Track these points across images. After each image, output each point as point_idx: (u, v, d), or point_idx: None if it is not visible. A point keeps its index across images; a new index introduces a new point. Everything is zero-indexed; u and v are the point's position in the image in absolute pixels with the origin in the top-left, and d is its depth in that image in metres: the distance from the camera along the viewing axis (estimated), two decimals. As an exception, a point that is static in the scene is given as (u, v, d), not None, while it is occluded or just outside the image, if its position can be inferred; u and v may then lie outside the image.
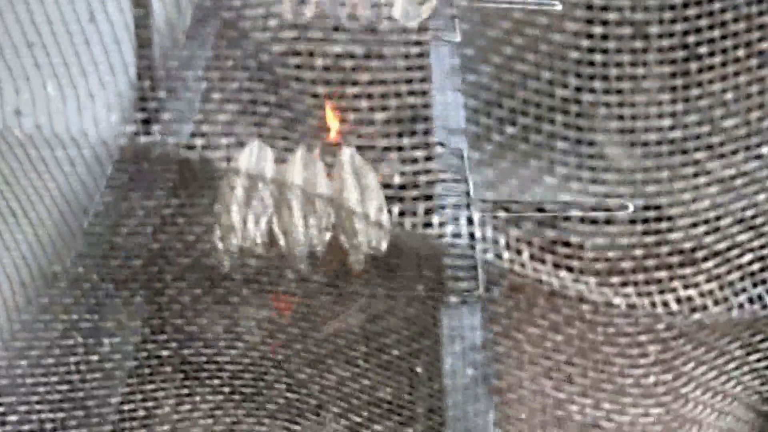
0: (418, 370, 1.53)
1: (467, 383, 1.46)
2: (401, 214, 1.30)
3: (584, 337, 1.34)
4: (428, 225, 1.30)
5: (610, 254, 1.29)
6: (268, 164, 1.72)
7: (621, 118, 1.26)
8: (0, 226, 1.42)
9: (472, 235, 1.31)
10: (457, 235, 1.30)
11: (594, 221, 1.39)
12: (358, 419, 1.53)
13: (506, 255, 1.31)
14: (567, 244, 1.29)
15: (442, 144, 1.83)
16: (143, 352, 1.58)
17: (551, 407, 1.41)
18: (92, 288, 1.54)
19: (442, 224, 1.31)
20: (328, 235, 1.64)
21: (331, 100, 1.68)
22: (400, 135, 1.58)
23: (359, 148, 1.75)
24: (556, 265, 1.29)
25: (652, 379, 1.36)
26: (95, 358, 1.55)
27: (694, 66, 1.23)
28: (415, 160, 1.30)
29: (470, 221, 1.31)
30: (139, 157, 1.60)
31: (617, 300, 1.30)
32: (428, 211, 1.28)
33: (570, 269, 1.29)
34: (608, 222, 1.28)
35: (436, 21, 1.97)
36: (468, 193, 1.73)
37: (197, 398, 1.62)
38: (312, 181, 1.69)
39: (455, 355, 1.51)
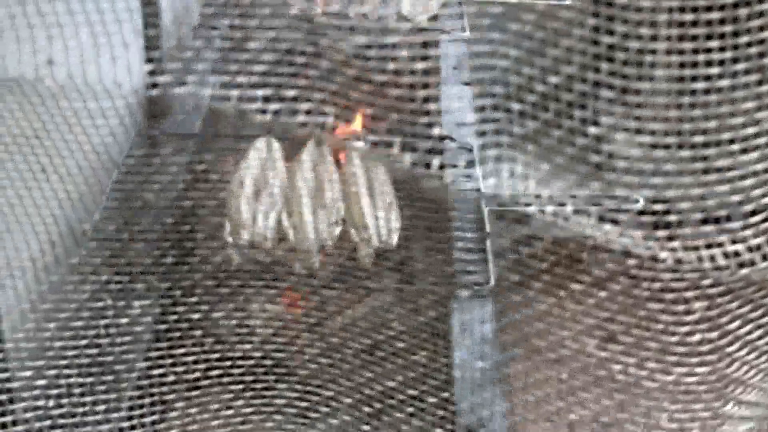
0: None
1: (478, 376, 1.45)
2: (441, 167, 1.27)
3: (629, 293, 1.31)
4: (469, 177, 1.27)
5: (657, 207, 1.25)
6: (278, 159, 1.72)
7: (669, 65, 1.23)
8: (30, 182, 1.39)
9: (514, 189, 1.28)
10: (498, 188, 1.27)
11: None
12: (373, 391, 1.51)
13: (550, 209, 1.28)
14: (613, 197, 1.25)
15: (451, 138, 1.85)
16: (173, 315, 1.55)
17: (593, 368, 1.38)
18: (122, 248, 1.51)
19: (483, 177, 1.28)
20: (337, 230, 1.64)
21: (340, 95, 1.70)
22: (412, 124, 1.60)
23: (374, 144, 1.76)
24: (601, 219, 1.26)
25: (697, 337, 1.33)
26: (125, 320, 1.53)
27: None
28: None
29: (512, 174, 1.27)
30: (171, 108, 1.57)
31: (663, 254, 1.27)
32: (469, 164, 1.25)
33: (615, 222, 1.26)
34: (654, 173, 1.24)
35: (445, 16, 1.96)
36: (478, 188, 1.74)
37: (228, 363, 1.59)
38: (321, 176, 1.70)
39: (466, 348, 1.50)
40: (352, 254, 1.63)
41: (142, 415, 1.56)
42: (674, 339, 1.33)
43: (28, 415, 1.46)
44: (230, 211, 1.62)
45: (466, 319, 1.53)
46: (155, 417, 1.57)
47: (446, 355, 1.51)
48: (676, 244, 1.27)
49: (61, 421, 1.48)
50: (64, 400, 1.50)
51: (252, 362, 1.60)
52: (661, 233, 1.27)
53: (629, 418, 1.39)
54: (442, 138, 1.85)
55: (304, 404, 1.57)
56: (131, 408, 1.56)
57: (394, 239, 1.62)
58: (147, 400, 1.56)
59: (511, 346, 1.42)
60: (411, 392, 1.51)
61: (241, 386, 1.59)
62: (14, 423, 1.47)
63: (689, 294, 1.31)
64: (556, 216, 1.26)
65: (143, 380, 1.56)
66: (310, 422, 1.57)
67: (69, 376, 1.51)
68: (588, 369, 1.38)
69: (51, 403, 1.49)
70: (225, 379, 1.59)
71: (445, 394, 1.47)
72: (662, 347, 1.34)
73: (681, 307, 1.31)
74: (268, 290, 1.62)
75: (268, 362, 1.60)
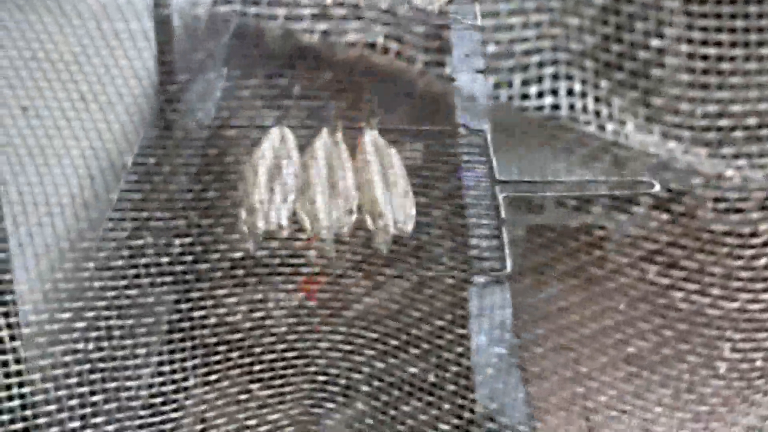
0: None
1: (496, 362, 1.43)
2: (496, 86, 1.23)
3: (692, 214, 1.26)
4: (525, 97, 1.22)
5: (722, 123, 1.20)
6: (292, 148, 1.71)
7: None
8: (69, 112, 1.34)
9: (572, 107, 1.23)
10: (556, 107, 1.23)
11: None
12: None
13: (609, 127, 1.23)
14: (677, 112, 1.20)
15: (465, 126, 1.84)
16: (215, 254, 1.51)
17: (653, 296, 1.34)
18: (164, 181, 1.47)
19: (540, 95, 1.23)
20: (353, 218, 1.62)
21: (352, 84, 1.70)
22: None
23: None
24: (665, 135, 1.21)
25: (763, 261, 1.28)
26: (166, 259, 1.48)
27: None
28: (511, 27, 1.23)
29: (570, 93, 1.23)
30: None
31: (729, 172, 1.22)
32: (525, 83, 1.21)
33: (679, 139, 1.21)
34: (720, 87, 1.19)
35: (457, 4, 1.95)
36: (492, 174, 1.73)
37: (270, 304, 1.56)
38: (335, 164, 1.69)
39: (484, 334, 1.48)
40: (368, 242, 1.61)
41: (183, 359, 1.52)
42: (739, 263, 1.28)
43: (68, 358, 1.42)
44: (245, 200, 1.60)
45: (483, 305, 1.51)
46: (196, 361, 1.54)
47: (464, 341, 1.49)
48: (742, 162, 1.22)
49: (101, 365, 1.44)
50: (104, 343, 1.46)
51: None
52: (728, 150, 1.22)
53: (691, 349, 1.34)
54: (456, 126, 1.85)
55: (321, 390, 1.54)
56: (172, 351, 1.52)
57: (410, 226, 1.62)
58: (188, 344, 1.53)
59: (565, 276, 1.38)
60: (429, 379, 1.49)
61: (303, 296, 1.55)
62: (53, 367, 1.43)
63: (756, 215, 1.26)
64: (616, 135, 1.21)
65: (184, 322, 1.53)
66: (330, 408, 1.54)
67: (108, 318, 1.47)
68: (648, 297, 1.33)
69: (90, 346, 1.45)
70: (268, 321, 1.56)
71: (464, 381, 1.45)
72: (726, 272, 1.29)
73: (746, 229, 1.26)
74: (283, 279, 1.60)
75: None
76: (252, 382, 1.55)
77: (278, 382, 1.55)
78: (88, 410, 1.41)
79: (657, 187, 1.44)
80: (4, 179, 1.35)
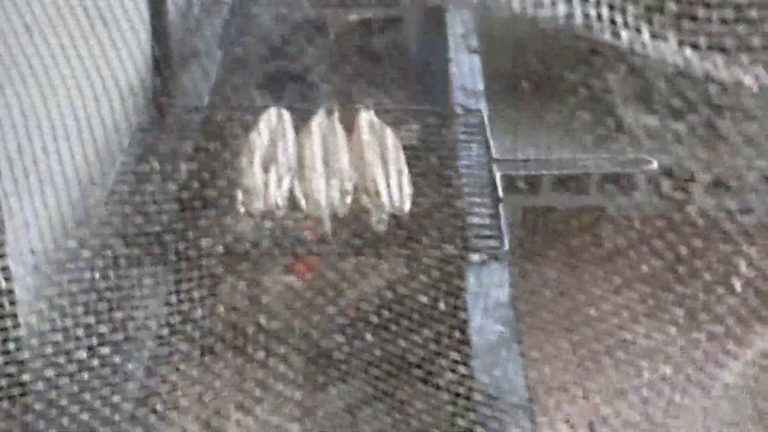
0: None
1: (495, 340, 1.42)
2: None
3: (711, 124, 1.24)
4: (539, 5, 1.20)
5: (740, 29, 1.18)
6: (288, 128, 1.71)
7: None
8: (81, 50, 1.31)
9: (587, 15, 1.21)
10: (569, 16, 1.21)
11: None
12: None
13: (624, 35, 1.21)
14: (693, 18, 1.18)
15: (461, 106, 1.82)
16: (223, 180, 1.49)
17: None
18: (170, 104, 1.44)
19: (554, 3, 1.21)
20: (349, 197, 1.61)
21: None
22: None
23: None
24: (681, 43, 1.19)
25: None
26: (173, 187, 1.46)
27: None
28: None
29: (584, 0, 1.21)
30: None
31: (747, 80, 1.20)
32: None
33: (695, 47, 1.19)
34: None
35: None
36: (489, 153, 1.72)
37: (285, 242, 1.54)
38: (331, 144, 1.68)
39: (482, 313, 1.47)
40: (365, 221, 1.60)
41: (189, 290, 1.50)
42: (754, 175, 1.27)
43: (74, 288, 1.40)
44: (242, 180, 1.59)
45: (481, 283, 1.50)
46: (203, 291, 1.51)
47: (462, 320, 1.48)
48: (760, 69, 1.20)
49: (108, 294, 1.42)
50: (111, 273, 1.44)
51: None
52: (745, 58, 1.19)
53: (706, 266, 1.32)
54: (452, 106, 1.84)
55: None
56: (178, 281, 1.50)
57: (407, 205, 1.61)
58: (195, 273, 1.50)
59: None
60: (427, 357, 1.47)
61: None
62: (59, 296, 1.41)
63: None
64: (632, 44, 1.19)
65: (191, 251, 1.50)
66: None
67: (115, 246, 1.45)
68: (662, 213, 1.31)
69: (97, 275, 1.42)
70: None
71: (462, 359, 1.44)
72: (742, 185, 1.27)
73: (764, 141, 1.25)
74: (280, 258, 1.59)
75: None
76: (260, 312, 1.53)
77: (287, 313, 1.53)
78: (95, 340, 1.38)
79: (655, 164, 1.42)
80: (7, 102, 1.31)
